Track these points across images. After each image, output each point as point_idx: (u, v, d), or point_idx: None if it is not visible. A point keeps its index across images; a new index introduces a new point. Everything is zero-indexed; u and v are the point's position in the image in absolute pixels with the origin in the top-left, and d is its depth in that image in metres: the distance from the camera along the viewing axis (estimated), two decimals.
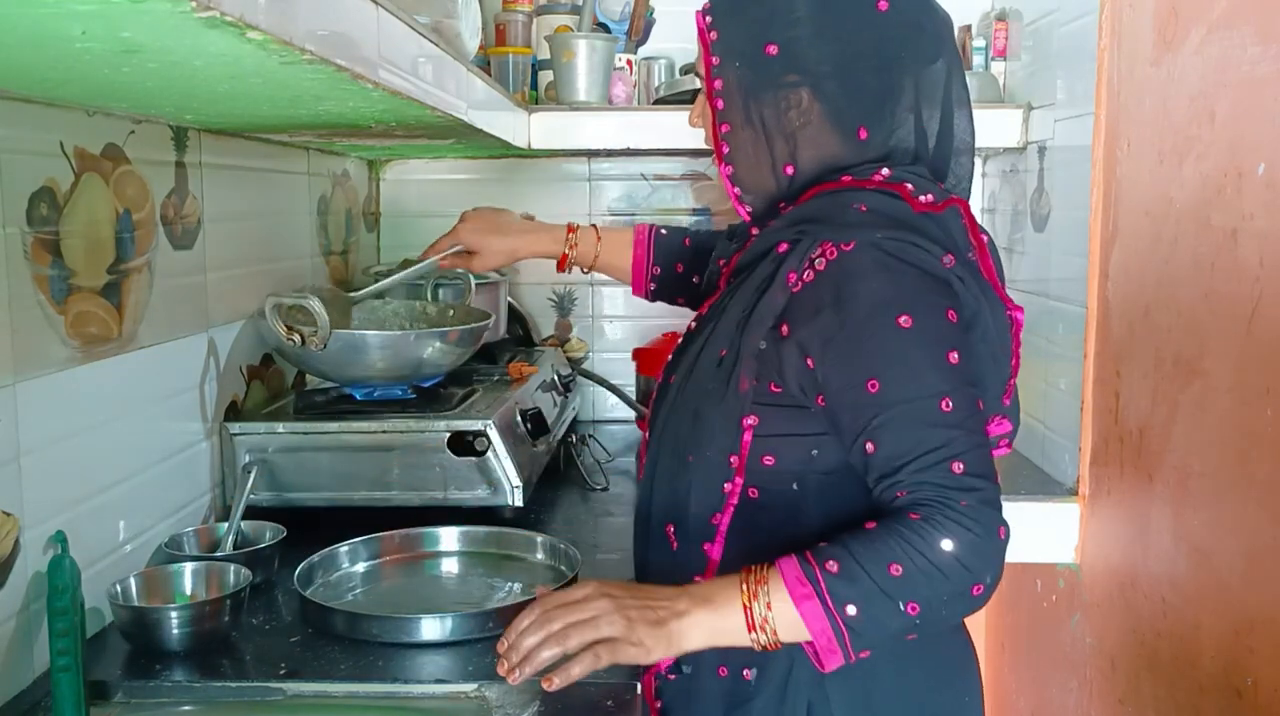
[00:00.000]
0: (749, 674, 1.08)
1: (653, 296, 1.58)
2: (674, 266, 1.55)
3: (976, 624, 1.13)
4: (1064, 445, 1.81)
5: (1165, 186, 1.47)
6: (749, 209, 1.19)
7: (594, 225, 1.60)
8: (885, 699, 1.09)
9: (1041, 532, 1.75)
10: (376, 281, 2.14)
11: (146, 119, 1.37)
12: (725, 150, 1.17)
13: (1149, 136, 1.52)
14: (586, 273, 1.61)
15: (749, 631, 1.00)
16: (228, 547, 1.46)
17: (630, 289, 1.60)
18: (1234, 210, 1.29)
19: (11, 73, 0.95)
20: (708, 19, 1.18)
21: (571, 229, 1.58)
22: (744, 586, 1.01)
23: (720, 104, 1.17)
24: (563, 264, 1.59)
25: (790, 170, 1.15)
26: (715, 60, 1.17)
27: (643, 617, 1.00)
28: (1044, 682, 1.94)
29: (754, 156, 1.16)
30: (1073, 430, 1.77)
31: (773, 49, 1.13)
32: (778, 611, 0.99)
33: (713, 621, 1.01)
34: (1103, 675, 1.66)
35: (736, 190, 1.19)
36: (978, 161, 2.34)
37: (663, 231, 1.57)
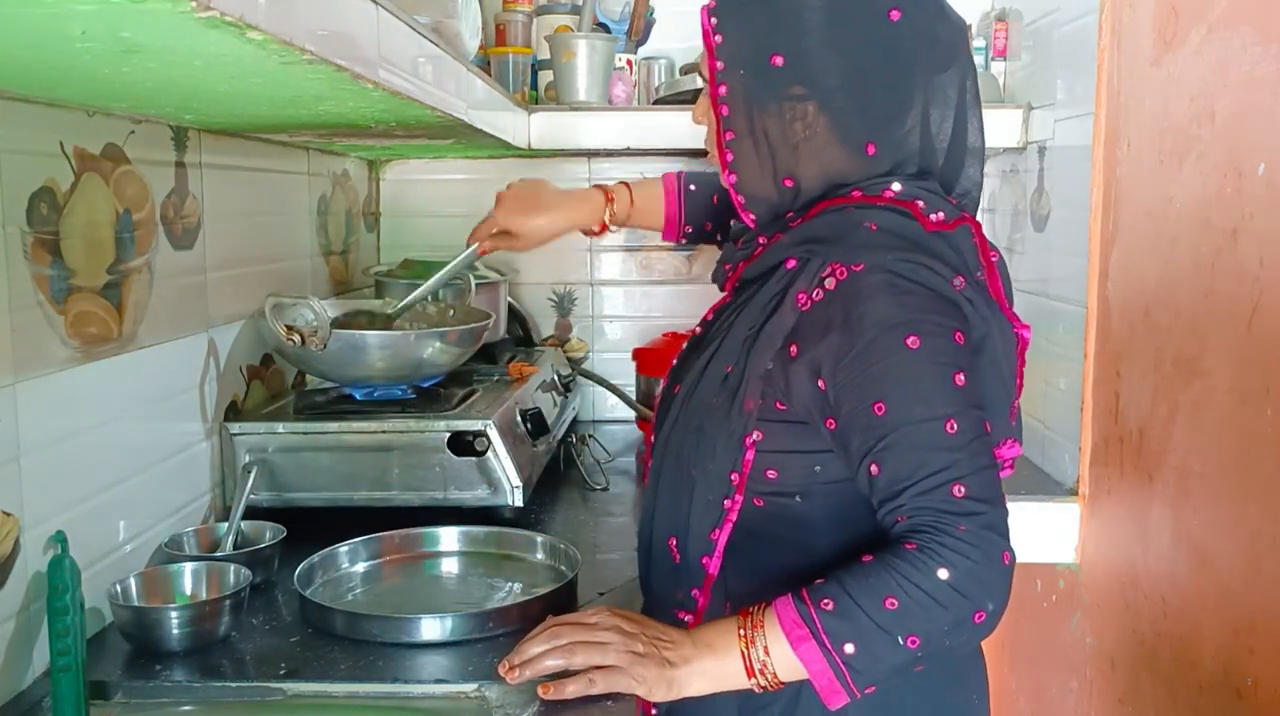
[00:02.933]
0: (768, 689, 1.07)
1: (685, 243, 1.60)
2: (703, 225, 1.54)
3: None
4: (1064, 445, 1.81)
5: (1165, 186, 1.47)
6: (755, 217, 1.17)
7: (625, 183, 1.56)
8: (899, 700, 1.09)
9: (1041, 532, 1.75)
10: (374, 280, 2.15)
11: (146, 119, 1.37)
12: (729, 158, 1.15)
13: (1149, 136, 1.52)
14: (617, 230, 1.59)
15: (748, 677, 1.00)
16: (228, 547, 1.46)
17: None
18: (1234, 210, 1.29)
19: (11, 73, 0.95)
20: (713, 20, 1.14)
21: (609, 198, 1.54)
22: (740, 632, 1.00)
23: (725, 111, 1.13)
24: (601, 232, 1.57)
25: (790, 183, 1.13)
26: (720, 65, 1.13)
27: (650, 656, 1.00)
28: (1044, 682, 1.94)
29: (757, 166, 1.13)
30: (1073, 430, 1.77)
31: (779, 59, 1.09)
32: (775, 655, 0.99)
33: (714, 668, 1.01)
34: (1103, 675, 1.66)
35: (741, 198, 1.16)
36: None
37: (691, 187, 1.55)
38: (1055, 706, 1.87)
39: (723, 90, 1.13)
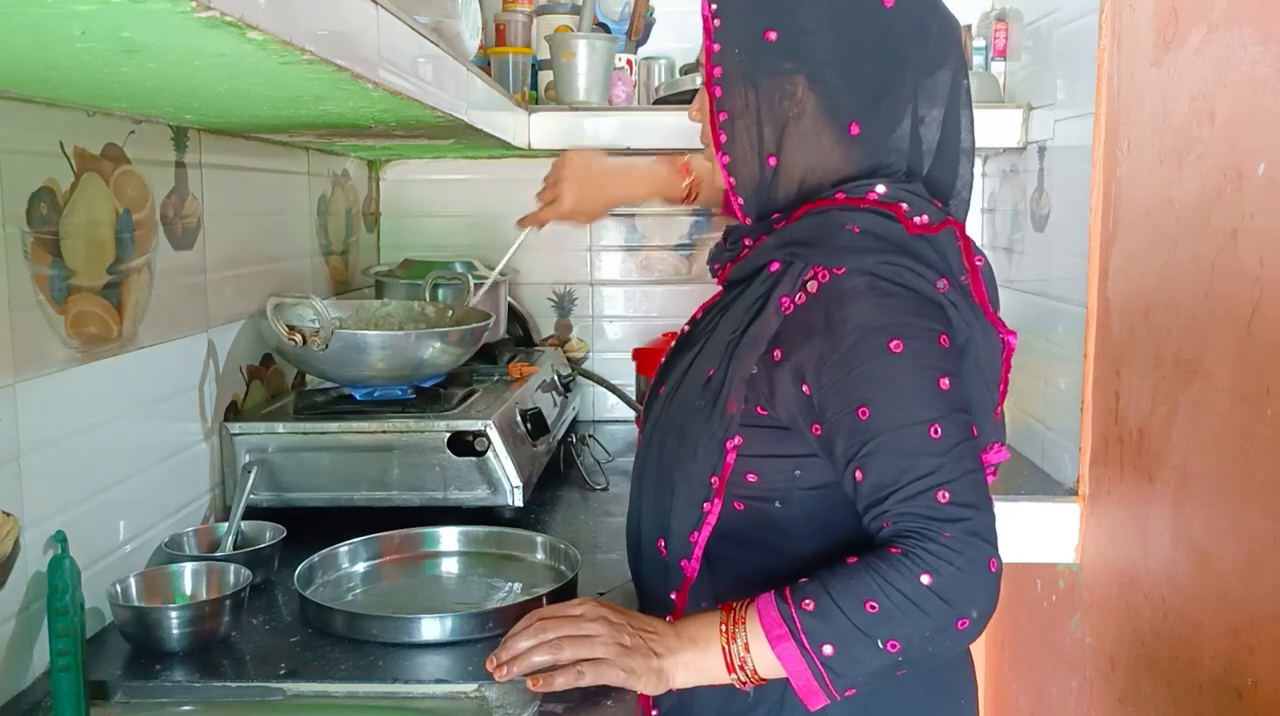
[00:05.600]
0: (748, 686, 1.07)
1: None
2: None
3: None
4: (1064, 445, 1.81)
5: (1165, 186, 1.47)
6: (741, 203, 1.16)
7: (687, 161, 1.57)
8: (883, 709, 1.09)
9: (1041, 532, 1.75)
10: (374, 280, 2.15)
11: (146, 119, 1.37)
12: (723, 139, 1.14)
13: (1149, 136, 1.52)
14: (693, 202, 1.60)
15: (729, 672, 1.00)
16: (228, 547, 1.46)
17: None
18: (1234, 210, 1.29)
19: (11, 73, 0.95)
20: (713, 6, 1.15)
21: (686, 170, 1.55)
22: (722, 627, 1.00)
23: (718, 91, 1.14)
24: (686, 199, 1.57)
25: (773, 161, 1.12)
26: (716, 47, 1.14)
27: (636, 648, 1.00)
28: (1044, 682, 1.94)
29: (747, 145, 1.13)
30: (1073, 430, 1.77)
31: (773, 35, 1.10)
32: (755, 652, 0.98)
33: (696, 661, 1.01)
34: (1103, 675, 1.66)
35: (732, 180, 1.16)
36: (977, 162, 2.34)
37: None
38: (1055, 706, 1.87)
39: (717, 72, 1.14)
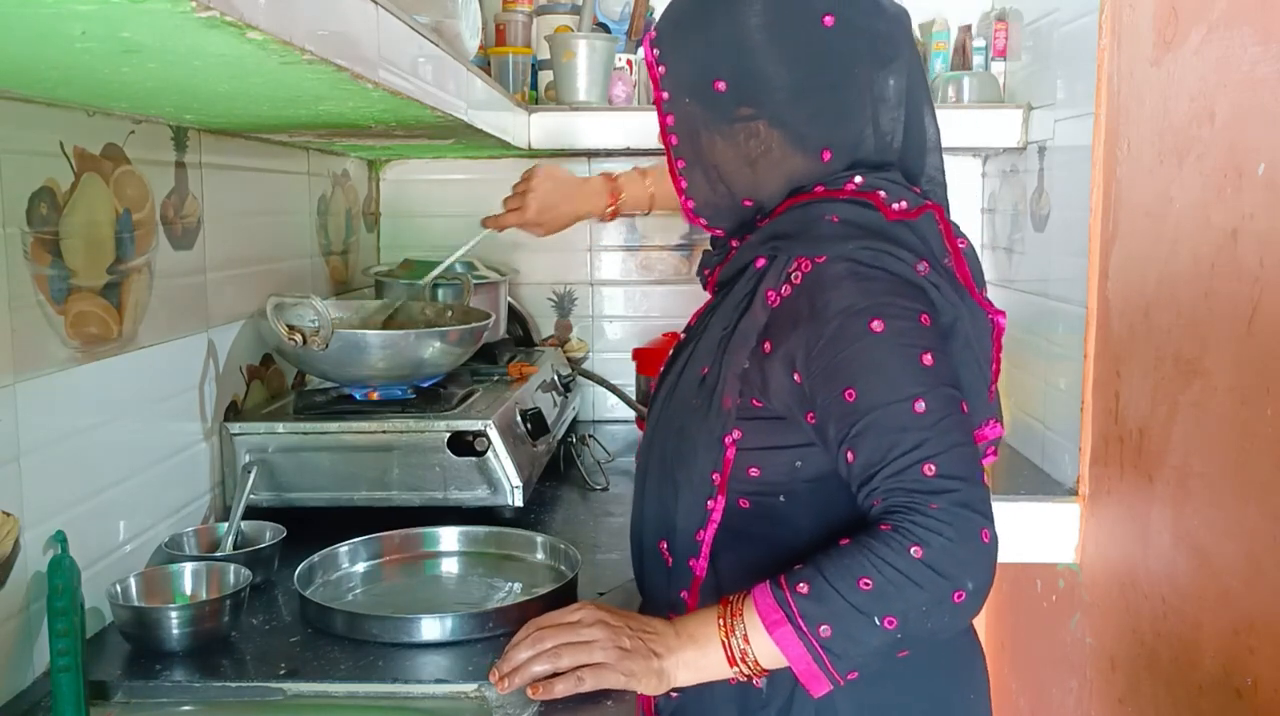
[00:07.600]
0: (759, 682, 1.07)
1: None
2: None
3: (977, 624, 1.13)
4: (1064, 445, 1.81)
5: (1165, 186, 1.47)
6: (720, 232, 1.19)
7: (638, 168, 1.60)
8: (894, 702, 1.09)
9: (1041, 532, 1.75)
10: (374, 280, 2.15)
11: (146, 119, 1.37)
12: (684, 185, 1.16)
13: (1149, 136, 1.52)
14: (647, 214, 1.66)
15: (730, 665, 1.00)
16: (228, 547, 1.46)
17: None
18: (1234, 210, 1.29)
19: (11, 73, 0.96)
20: (655, 51, 1.15)
21: (613, 193, 1.61)
22: (720, 621, 1.00)
23: (674, 140, 1.15)
24: (612, 216, 1.65)
25: (749, 203, 1.15)
26: (665, 95, 1.14)
27: (636, 650, 1.00)
28: (1044, 682, 1.94)
29: (710, 191, 1.15)
30: (1073, 430, 1.77)
31: (721, 85, 1.10)
32: (755, 643, 0.99)
33: (697, 659, 1.01)
34: (1103, 675, 1.66)
35: (703, 220, 1.18)
36: (977, 162, 2.35)
37: None
38: (1055, 706, 1.87)
39: (670, 120, 1.15)
